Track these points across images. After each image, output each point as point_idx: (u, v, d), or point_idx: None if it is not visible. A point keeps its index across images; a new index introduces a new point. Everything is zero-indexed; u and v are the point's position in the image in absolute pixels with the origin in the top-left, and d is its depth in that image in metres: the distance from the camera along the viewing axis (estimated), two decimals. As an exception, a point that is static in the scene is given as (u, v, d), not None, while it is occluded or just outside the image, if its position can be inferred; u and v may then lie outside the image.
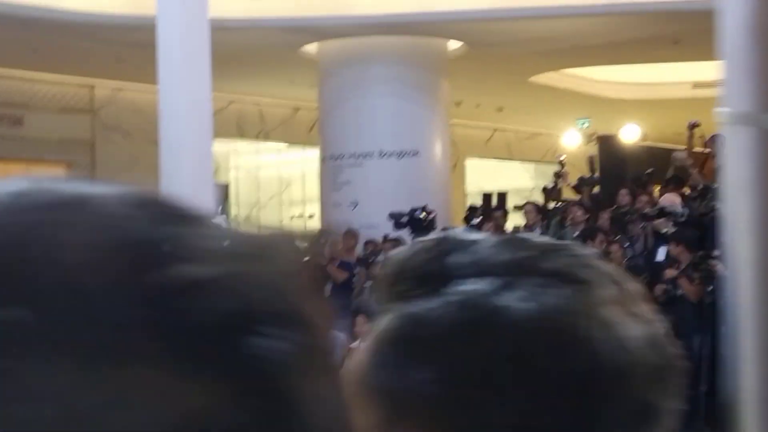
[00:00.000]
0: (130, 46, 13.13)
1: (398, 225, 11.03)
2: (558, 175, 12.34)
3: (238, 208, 20.24)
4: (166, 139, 10.30)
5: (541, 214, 11.02)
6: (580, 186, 11.77)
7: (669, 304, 8.24)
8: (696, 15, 12.13)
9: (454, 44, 13.91)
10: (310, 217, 21.52)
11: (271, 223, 19.99)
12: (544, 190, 12.10)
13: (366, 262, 11.21)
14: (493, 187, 21.57)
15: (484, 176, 22.12)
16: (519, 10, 12.31)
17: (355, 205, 13.22)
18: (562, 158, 12.53)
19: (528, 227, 10.77)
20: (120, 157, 16.37)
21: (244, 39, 12.72)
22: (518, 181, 23.26)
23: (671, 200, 9.45)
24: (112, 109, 16.45)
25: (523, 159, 23.09)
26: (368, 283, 11.04)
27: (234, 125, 16.96)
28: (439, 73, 13.88)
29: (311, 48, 13.89)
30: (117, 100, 16.52)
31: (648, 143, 19.56)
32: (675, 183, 10.09)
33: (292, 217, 21.81)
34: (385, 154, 13.26)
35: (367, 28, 12.85)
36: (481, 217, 10.75)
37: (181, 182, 10.17)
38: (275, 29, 12.80)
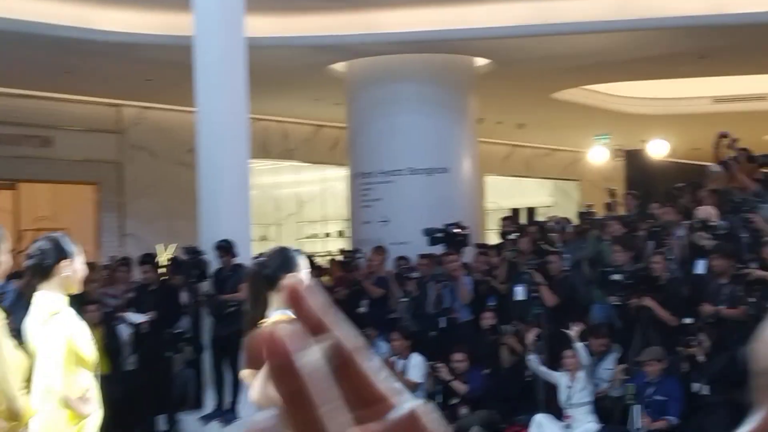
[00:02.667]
0: (160, 67, 13.27)
1: (433, 241, 11.11)
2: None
3: (258, 227, 20.33)
4: (204, 158, 10.40)
5: (575, 230, 11.10)
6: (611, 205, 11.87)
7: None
8: (722, 30, 12.27)
9: (480, 61, 14.02)
10: (328, 235, 21.67)
11: (288, 241, 20.13)
12: (580, 214, 12.17)
13: (400, 278, 11.28)
14: (512, 204, 21.72)
15: (502, 193, 22.24)
16: (544, 26, 12.40)
17: (386, 222, 13.30)
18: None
19: (563, 243, 10.84)
20: (147, 177, 16.50)
21: (272, 58, 12.84)
22: (536, 197, 23.38)
23: (708, 213, 9.51)
24: (139, 130, 16.57)
25: (542, 176, 23.19)
26: (403, 300, 11.12)
27: (259, 144, 17.06)
28: (467, 89, 13.98)
29: (339, 66, 14.01)
30: (144, 121, 16.65)
31: (672, 158, 19.65)
32: (711, 196, 10.16)
33: (309, 236, 21.93)
34: (414, 171, 13.34)
35: (395, 46, 12.97)
36: (517, 231, 10.81)
37: (218, 201, 10.28)
38: (303, 48, 12.92)
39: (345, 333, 0.62)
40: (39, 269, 4.14)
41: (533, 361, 9.17)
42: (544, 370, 9.11)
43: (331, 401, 0.59)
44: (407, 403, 0.61)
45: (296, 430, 0.59)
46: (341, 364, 0.61)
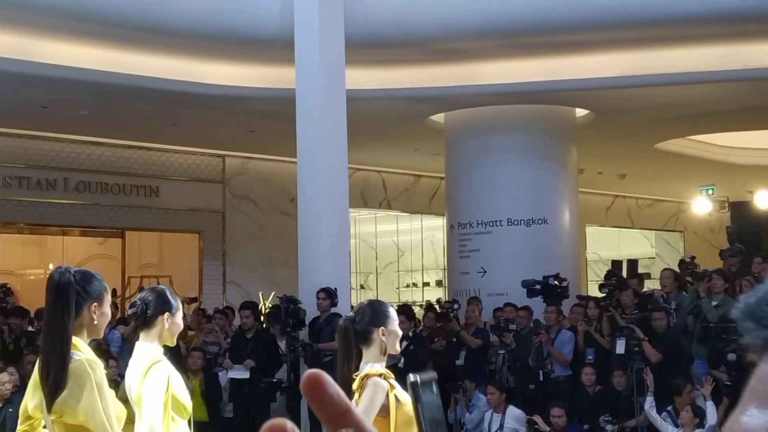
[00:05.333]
0: (263, 118, 13.56)
1: (531, 293, 11.00)
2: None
3: (357, 276, 20.46)
4: (304, 207, 10.56)
5: (678, 282, 10.85)
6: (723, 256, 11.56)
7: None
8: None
9: (580, 112, 13.93)
10: (426, 285, 21.65)
11: (387, 290, 20.18)
12: (681, 263, 11.90)
13: (499, 329, 11.18)
14: (613, 255, 21.37)
15: (603, 244, 21.93)
16: (648, 77, 12.26)
17: (484, 272, 13.24)
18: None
19: (664, 294, 10.60)
20: (249, 225, 16.79)
21: (372, 109, 12.99)
22: (638, 248, 22.96)
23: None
24: (242, 179, 16.92)
25: (644, 227, 22.82)
26: (501, 351, 11.02)
27: (358, 194, 17.24)
28: (567, 140, 13.90)
29: (438, 117, 14.09)
30: (247, 171, 16.99)
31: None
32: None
33: (407, 285, 21.95)
34: (513, 222, 13.27)
35: (494, 97, 12.98)
36: (615, 284, 10.61)
37: (318, 250, 10.40)
38: (403, 99, 13.05)
39: (366, 426, 0.61)
40: (140, 319, 4.25)
41: (649, 403, 8.93)
42: (658, 419, 8.85)
43: None
44: None
45: None
46: None
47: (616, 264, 15.02)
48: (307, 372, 0.61)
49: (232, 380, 10.57)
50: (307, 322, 10.42)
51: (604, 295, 10.67)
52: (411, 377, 0.78)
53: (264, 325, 11.31)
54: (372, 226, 21.27)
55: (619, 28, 11.21)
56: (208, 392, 10.22)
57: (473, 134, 13.67)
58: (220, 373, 10.73)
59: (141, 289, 14.87)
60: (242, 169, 16.97)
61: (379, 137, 14.84)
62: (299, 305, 10.36)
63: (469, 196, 13.62)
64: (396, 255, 21.86)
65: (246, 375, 10.45)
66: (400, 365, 8.52)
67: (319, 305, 10.20)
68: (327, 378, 0.61)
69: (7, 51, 10.95)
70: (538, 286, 10.97)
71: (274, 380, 10.48)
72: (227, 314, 12.31)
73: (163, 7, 10.70)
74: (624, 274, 13.87)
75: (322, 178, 10.39)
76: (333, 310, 10.02)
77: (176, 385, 4.16)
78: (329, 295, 10.06)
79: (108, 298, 3.55)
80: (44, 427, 3.55)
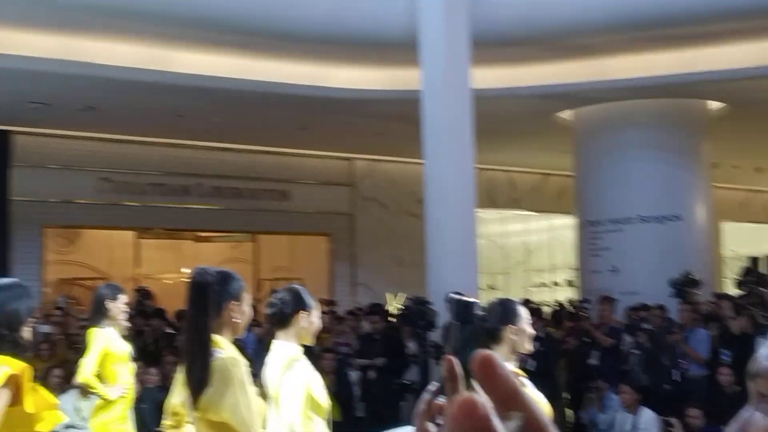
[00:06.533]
0: (390, 120, 13.66)
1: (678, 293, 10.71)
2: None
3: (484, 276, 20.36)
4: (432, 208, 10.57)
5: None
6: None
7: None
8: None
9: (713, 104, 13.54)
10: (556, 284, 21.40)
11: (515, 290, 20.03)
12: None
13: (633, 329, 10.96)
14: (750, 251, 20.67)
15: (740, 240, 21.24)
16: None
17: (615, 271, 13.00)
18: None
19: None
20: (377, 227, 16.93)
21: (498, 108, 12.92)
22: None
23: None
24: (369, 182, 17.07)
25: (783, 222, 22.03)
26: (634, 351, 10.79)
27: (485, 194, 17.17)
28: (700, 134, 13.53)
29: (566, 114, 13.91)
30: (374, 173, 17.14)
31: None
32: None
33: (537, 285, 21.74)
34: (645, 219, 13.00)
35: (624, 92, 12.74)
36: (754, 282, 10.30)
37: (445, 251, 10.40)
38: (530, 97, 12.93)
39: (536, 409, 0.61)
40: (278, 318, 4.33)
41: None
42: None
43: None
44: None
45: None
46: None
47: (754, 261, 14.51)
48: (479, 352, 0.62)
49: (364, 381, 10.65)
50: (437, 324, 10.42)
51: (745, 293, 10.35)
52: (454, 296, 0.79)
53: (393, 327, 11.37)
54: (500, 226, 21.16)
55: (753, 17, 10.84)
56: (339, 392, 10.35)
57: (603, 130, 13.46)
58: (351, 373, 10.85)
59: (273, 292, 15.21)
60: (370, 171, 17.13)
61: (506, 136, 14.75)
62: (428, 306, 10.38)
63: (600, 194, 13.40)
64: (524, 254, 21.69)
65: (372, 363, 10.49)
66: (531, 368, 8.45)
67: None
68: (497, 359, 0.62)
69: (143, 62, 11.34)
70: (678, 285, 10.70)
71: (405, 381, 10.53)
72: (357, 315, 12.44)
73: (291, 15, 10.89)
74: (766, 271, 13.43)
75: (449, 179, 10.39)
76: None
77: (314, 384, 4.22)
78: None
79: (247, 298, 3.63)
80: (189, 422, 3.66)
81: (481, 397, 0.58)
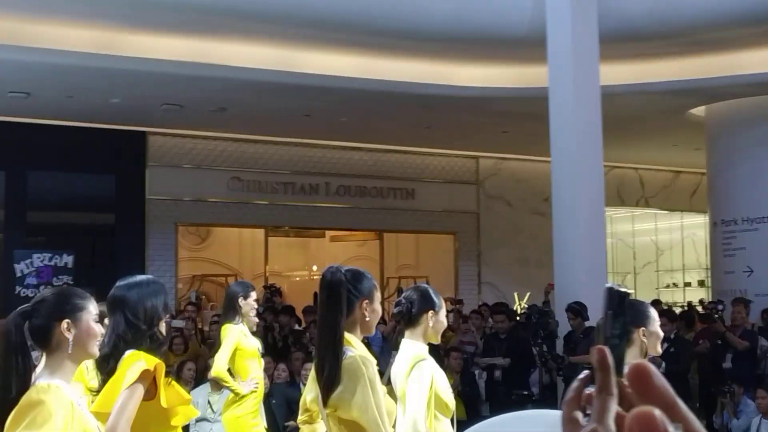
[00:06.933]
0: (516, 118, 13.56)
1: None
2: None
3: (613, 276, 20.01)
4: (559, 207, 10.45)
5: None
6: None
7: None
8: None
9: None
10: (688, 285, 20.85)
11: (645, 290, 19.61)
12: None
13: (766, 332, 10.61)
14: None
15: None
16: None
17: (750, 271, 12.60)
18: None
19: None
20: (503, 226, 16.84)
21: (627, 105, 12.69)
22: None
23: None
24: (495, 180, 16.99)
25: None
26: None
27: (614, 192, 16.89)
28: (841, 129, 12.99)
29: (698, 110, 13.55)
30: (500, 171, 17.05)
31: None
32: None
33: (667, 286, 21.22)
34: (782, 218, 12.56)
35: (759, 87, 12.33)
36: None
37: (573, 250, 10.26)
38: (660, 93, 12.64)
39: (694, 420, 0.59)
40: (405, 317, 4.36)
41: None
42: None
43: None
44: None
45: None
46: None
47: None
48: (634, 363, 0.61)
49: (490, 381, 10.58)
50: (558, 333, 10.28)
51: None
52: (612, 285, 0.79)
53: (517, 327, 11.27)
54: (629, 225, 20.77)
55: None
56: (465, 391, 10.33)
57: (737, 127, 13.06)
58: (477, 372, 10.82)
59: (399, 290, 15.29)
60: (496, 169, 17.04)
61: (635, 133, 14.47)
62: (549, 317, 10.26)
63: (734, 192, 13.01)
64: (655, 254, 21.21)
65: (503, 362, 10.41)
66: (662, 369, 8.25)
67: (571, 324, 10.05)
68: (653, 369, 0.61)
69: (272, 63, 11.56)
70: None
71: (525, 393, 10.37)
72: (483, 314, 12.40)
73: (417, 14, 10.92)
74: None
75: (577, 177, 10.25)
76: (587, 324, 9.85)
77: (440, 383, 4.23)
78: (576, 313, 9.89)
79: (378, 296, 3.66)
80: (322, 419, 3.72)
81: (658, 411, 0.58)
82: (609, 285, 0.74)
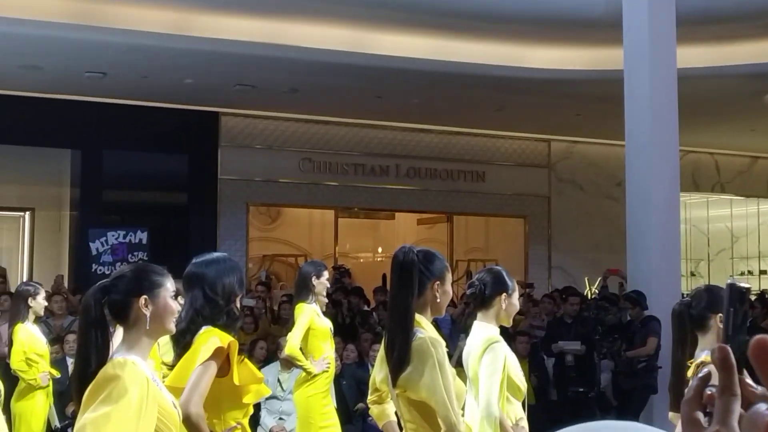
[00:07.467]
0: (589, 101, 13.38)
1: None
2: None
3: (687, 262, 19.71)
4: (633, 192, 10.30)
5: None
6: None
7: None
8: None
9: None
10: (763, 272, 20.42)
11: (719, 277, 19.27)
12: None
13: None
14: None
15: None
16: None
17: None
18: None
19: None
20: (574, 210, 16.66)
21: (704, 88, 12.44)
22: None
23: None
24: (567, 164, 16.81)
25: None
26: None
27: (689, 177, 16.60)
28: None
29: (777, 94, 13.25)
30: (572, 155, 16.87)
31: None
32: None
33: (741, 273, 20.83)
34: None
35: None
36: None
37: (646, 235, 10.11)
38: (738, 76, 12.38)
39: None
40: (478, 300, 4.34)
41: None
42: None
43: None
44: None
45: None
46: None
47: None
48: (757, 337, 0.59)
49: (558, 365, 10.49)
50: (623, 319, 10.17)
51: None
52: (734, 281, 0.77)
53: (585, 312, 11.16)
54: (704, 211, 20.39)
55: None
56: (533, 376, 10.26)
57: (817, 111, 12.73)
58: (545, 357, 10.73)
59: (468, 273, 15.23)
60: (568, 153, 16.86)
61: (712, 117, 14.19)
62: (611, 309, 10.14)
63: (813, 178, 12.69)
64: (730, 241, 20.81)
65: (577, 348, 10.32)
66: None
67: (630, 314, 9.94)
68: None
69: (344, 44, 11.57)
70: None
71: (581, 390, 10.25)
72: (554, 299, 12.29)
73: (490, -6, 10.83)
74: None
75: (652, 162, 10.08)
76: (646, 313, 9.75)
77: (512, 366, 4.21)
78: (635, 302, 9.77)
79: (449, 277, 3.65)
80: (391, 399, 3.72)
81: None
82: (730, 281, 0.72)
